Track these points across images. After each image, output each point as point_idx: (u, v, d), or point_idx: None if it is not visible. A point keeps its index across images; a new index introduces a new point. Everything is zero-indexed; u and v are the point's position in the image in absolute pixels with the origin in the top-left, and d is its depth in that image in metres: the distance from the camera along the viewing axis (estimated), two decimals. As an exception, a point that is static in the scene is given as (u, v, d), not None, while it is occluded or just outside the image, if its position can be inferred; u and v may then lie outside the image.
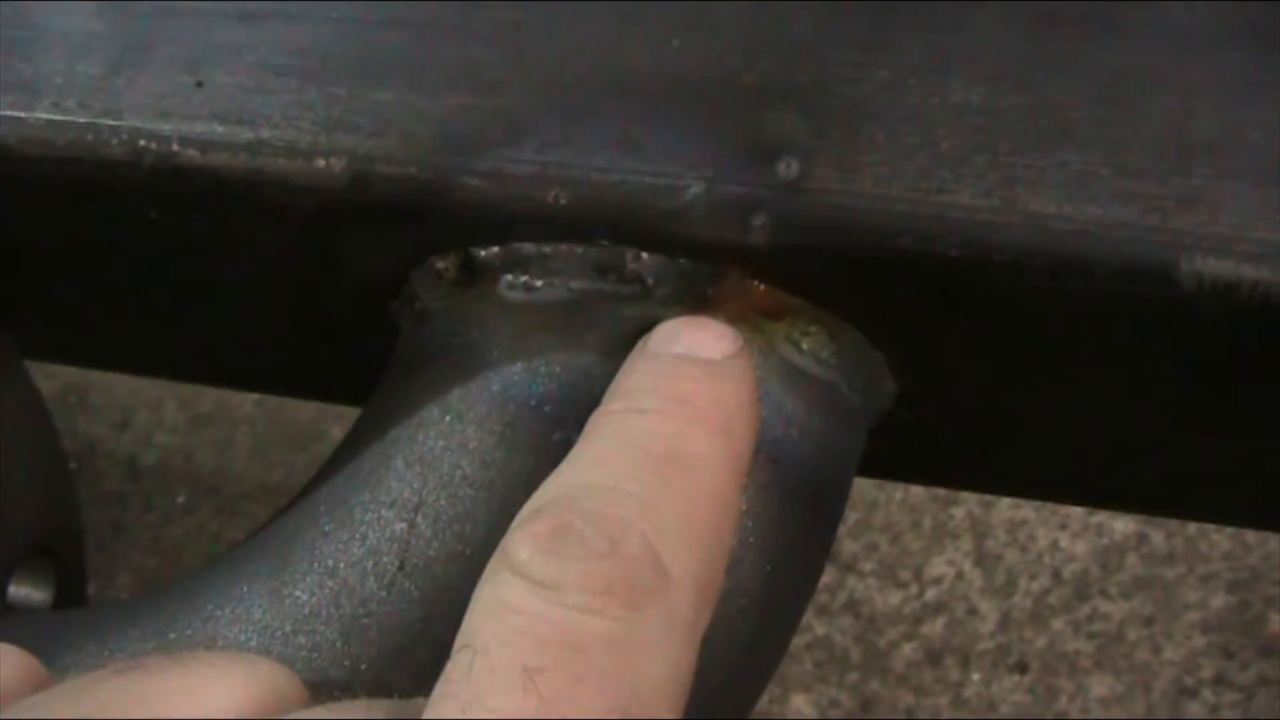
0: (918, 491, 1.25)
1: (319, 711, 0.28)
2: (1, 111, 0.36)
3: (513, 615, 0.26)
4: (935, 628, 1.19)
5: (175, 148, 0.36)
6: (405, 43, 0.36)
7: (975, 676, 1.18)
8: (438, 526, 0.33)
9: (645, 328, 0.33)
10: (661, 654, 0.27)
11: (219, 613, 0.34)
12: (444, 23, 0.36)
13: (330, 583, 0.33)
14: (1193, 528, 1.23)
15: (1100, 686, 1.17)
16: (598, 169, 0.34)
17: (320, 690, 0.30)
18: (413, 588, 0.33)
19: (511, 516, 0.28)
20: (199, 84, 0.36)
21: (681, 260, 0.34)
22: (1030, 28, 0.34)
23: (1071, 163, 0.33)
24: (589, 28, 0.35)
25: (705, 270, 0.34)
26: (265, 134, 0.35)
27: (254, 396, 1.22)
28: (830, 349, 0.35)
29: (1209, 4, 0.34)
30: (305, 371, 0.43)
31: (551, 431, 0.33)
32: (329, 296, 0.39)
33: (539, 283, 0.35)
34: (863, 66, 0.34)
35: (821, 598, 1.20)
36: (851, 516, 1.24)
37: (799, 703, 1.17)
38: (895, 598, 1.21)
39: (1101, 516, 1.24)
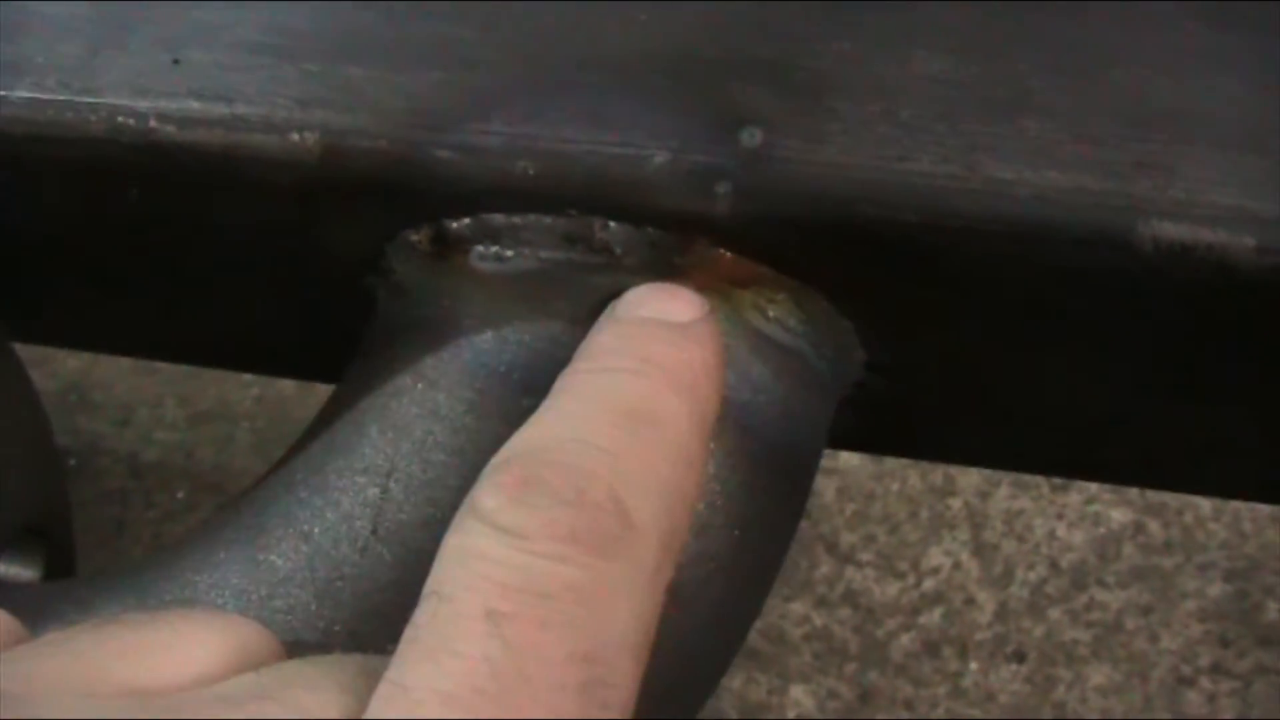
0: (915, 482, 1.26)
1: (293, 665, 0.28)
2: (-17, 92, 0.37)
3: (479, 562, 0.27)
4: (933, 618, 1.20)
5: (153, 124, 0.36)
6: (378, 20, 0.37)
7: (973, 666, 1.18)
8: (410, 491, 0.34)
9: (613, 296, 0.34)
10: (626, 602, 0.27)
11: (197, 579, 0.35)
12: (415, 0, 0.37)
13: (305, 547, 0.34)
14: (1190, 517, 1.23)
15: (1098, 675, 1.17)
16: (565, 140, 0.34)
17: (295, 650, 0.30)
18: (385, 551, 0.34)
19: None
20: (176, 62, 0.37)
21: (649, 229, 0.35)
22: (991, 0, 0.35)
23: (1031, 130, 0.33)
24: (559, 5, 0.36)
25: (672, 239, 0.35)
26: (241, 110, 0.36)
27: (254, 393, 1.23)
28: (797, 317, 0.36)
29: (1165, -26, 0.35)
30: (287, 348, 0.44)
31: (521, 398, 0.34)
32: (307, 271, 0.40)
33: (510, 253, 0.36)
34: (826, 39, 0.35)
35: (820, 589, 1.21)
36: (849, 507, 1.24)
37: (798, 694, 1.18)
38: (893, 588, 1.21)
39: (1099, 506, 1.24)
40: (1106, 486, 1.22)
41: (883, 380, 0.39)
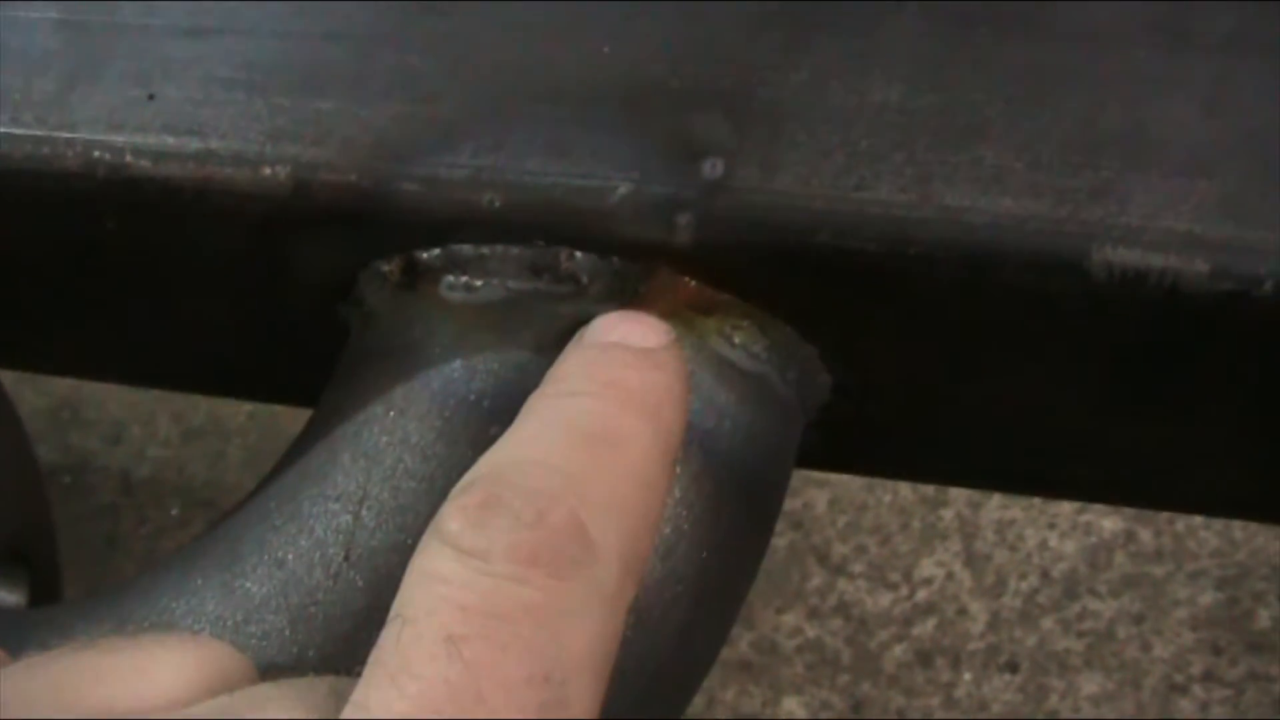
0: (906, 493, 1.26)
1: (264, 687, 0.29)
2: (-40, 129, 0.38)
3: (440, 585, 0.27)
4: (926, 629, 1.20)
5: (128, 158, 0.37)
6: (345, 55, 0.37)
7: (966, 676, 1.19)
8: (381, 518, 0.35)
9: (580, 324, 0.35)
10: (585, 623, 0.28)
11: (174, 605, 0.35)
12: (382, 35, 0.37)
13: (279, 574, 0.35)
14: (1181, 525, 1.23)
15: (1091, 685, 1.17)
16: (529, 172, 0.35)
17: (269, 673, 0.31)
18: (357, 577, 0.34)
19: None
20: (150, 97, 0.37)
21: (614, 259, 0.35)
22: (946, 28, 0.36)
23: (986, 158, 0.34)
24: (522, 38, 0.37)
25: (636, 268, 0.35)
26: (213, 144, 0.37)
27: (246, 409, 1.24)
28: (761, 343, 0.37)
29: (1116, 4, 0.35)
30: (264, 375, 0.45)
31: (489, 425, 0.35)
32: (282, 301, 0.40)
33: (478, 283, 0.36)
34: (784, 69, 0.35)
35: (812, 600, 1.21)
36: (841, 519, 1.25)
37: (791, 705, 1.18)
38: (885, 599, 1.22)
39: (1090, 515, 1.24)
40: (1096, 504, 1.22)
41: (848, 403, 0.39)
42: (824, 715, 1.19)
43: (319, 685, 0.29)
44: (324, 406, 0.38)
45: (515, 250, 0.36)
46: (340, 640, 0.34)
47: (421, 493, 0.35)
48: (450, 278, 0.36)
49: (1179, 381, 0.36)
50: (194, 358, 0.44)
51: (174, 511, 1.20)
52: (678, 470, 0.35)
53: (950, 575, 1.24)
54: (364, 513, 0.35)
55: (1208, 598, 1.21)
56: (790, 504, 1.24)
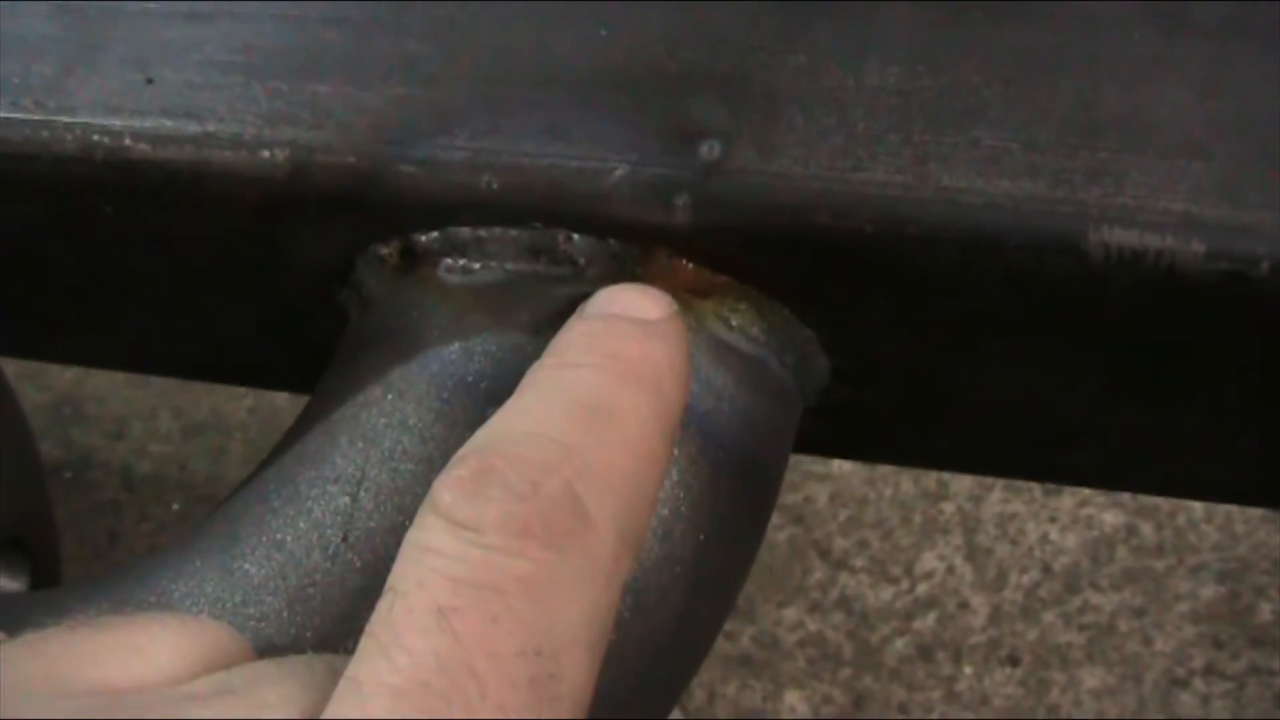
0: (907, 487, 1.26)
1: (261, 664, 0.29)
2: (-41, 114, 0.38)
3: (432, 557, 0.27)
4: (927, 623, 1.20)
5: (126, 142, 0.37)
6: (344, 38, 0.37)
7: (967, 670, 1.19)
8: (379, 500, 0.35)
9: (577, 305, 0.35)
10: (578, 596, 0.27)
11: (173, 587, 0.35)
12: (381, 19, 0.37)
13: (278, 556, 0.35)
14: (1182, 519, 1.23)
15: (1092, 678, 1.17)
16: (526, 154, 0.35)
17: (267, 653, 0.31)
18: (355, 558, 0.34)
19: None
20: (148, 81, 0.38)
21: (611, 241, 0.35)
22: (942, 11, 0.36)
23: (982, 140, 0.34)
24: (520, 22, 0.37)
25: (634, 250, 0.35)
26: (211, 127, 0.37)
27: (247, 404, 1.24)
28: (759, 326, 0.37)
29: (1113, -15, 0.35)
30: (263, 360, 0.45)
31: (487, 407, 0.35)
32: (281, 286, 0.40)
33: (476, 265, 0.36)
34: (781, 52, 0.36)
35: (813, 594, 1.21)
36: (842, 513, 1.25)
37: (792, 699, 1.18)
38: (887, 593, 1.22)
39: (1091, 509, 1.25)
40: (1098, 489, 1.22)
41: (847, 386, 0.39)
42: (825, 709, 1.19)
43: (316, 663, 0.29)
44: (322, 390, 0.38)
45: (513, 233, 0.36)
46: (338, 621, 0.34)
47: (419, 474, 0.35)
48: (448, 260, 0.36)
49: (1176, 363, 0.36)
50: (192, 343, 0.44)
51: (175, 507, 1.20)
52: (675, 451, 0.35)
53: (951, 569, 1.24)
54: (362, 495, 0.35)
55: (1209, 591, 1.21)
56: (791, 498, 1.25)
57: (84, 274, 0.42)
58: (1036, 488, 1.26)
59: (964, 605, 1.22)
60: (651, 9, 0.36)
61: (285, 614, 0.34)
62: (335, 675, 0.27)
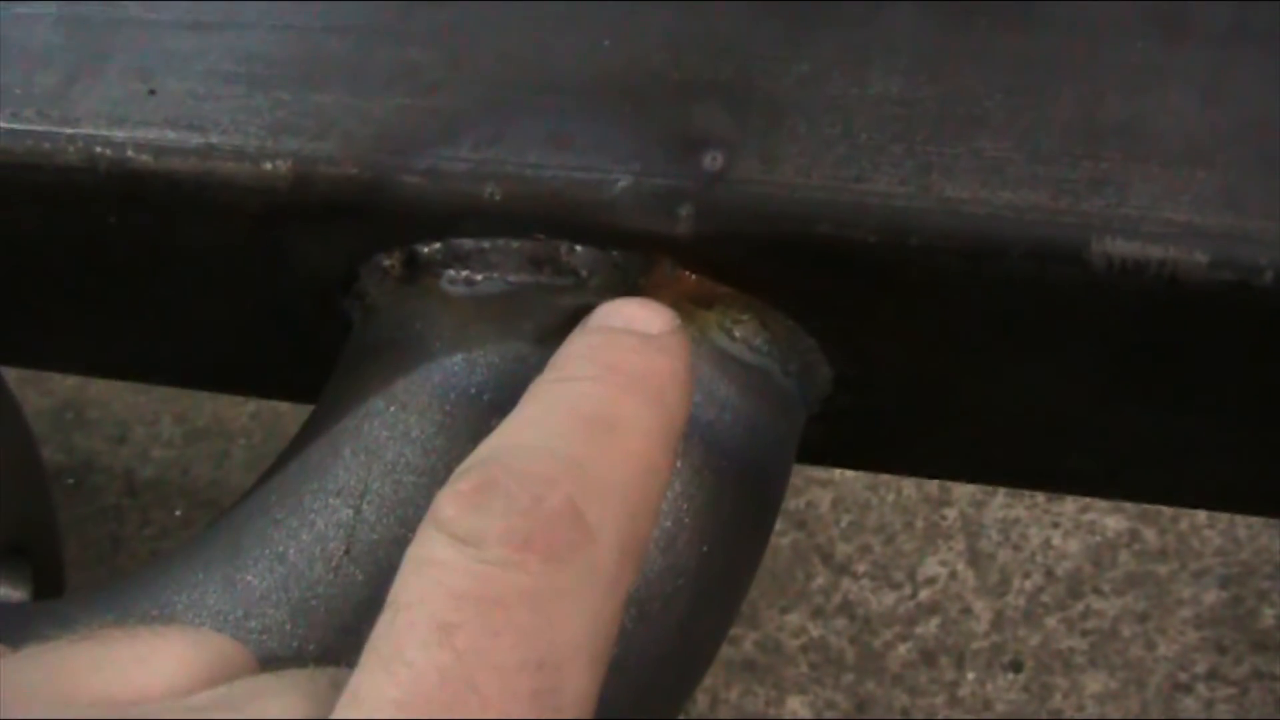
0: (910, 492, 1.26)
1: (264, 677, 0.29)
2: (-37, 124, 0.38)
3: (434, 570, 0.27)
4: (930, 628, 1.20)
5: (129, 153, 0.37)
6: (346, 47, 0.37)
7: (970, 676, 1.19)
8: (382, 512, 0.35)
9: (580, 316, 0.35)
10: (581, 609, 0.27)
11: (176, 599, 0.35)
12: (383, 27, 0.37)
13: (280, 568, 0.35)
14: (1185, 524, 1.23)
15: (1095, 683, 1.17)
16: (530, 165, 0.35)
17: (270, 665, 0.31)
18: (358, 571, 0.34)
19: None
20: (151, 91, 0.38)
21: (614, 252, 0.35)
22: (945, 20, 0.36)
23: (985, 149, 0.34)
24: (523, 30, 0.37)
25: (637, 261, 0.35)
26: (214, 138, 0.37)
27: (250, 410, 1.24)
28: (762, 336, 0.37)
29: (1115, -6, 0.35)
30: (266, 370, 0.45)
31: (490, 419, 0.35)
32: (285, 296, 0.40)
33: (479, 276, 0.36)
34: (784, 61, 0.35)
35: (816, 599, 1.21)
36: (844, 518, 1.25)
37: (795, 705, 1.18)
38: (889, 598, 1.22)
39: (1093, 514, 1.24)
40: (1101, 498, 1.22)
41: (850, 396, 0.39)
42: (828, 715, 1.19)
43: (319, 676, 0.29)
44: (325, 401, 0.38)
45: (516, 243, 0.36)
46: (341, 634, 0.34)
47: (422, 487, 0.35)
48: (451, 271, 0.36)
49: (1180, 372, 0.36)
50: (195, 353, 0.44)
51: (178, 512, 1.20)
52: (679, 463, 0.35)
53: (954, 574, 1.24)
54: (365, 507, 0.35)
55: (1212, 596, 1.21)
56: (794, 503, 1.25)
57: (87, 284, 0.42)
58: (1039, 493, 1.26)
59: (966, 610, 1.22)
60: (655, 17, 0.36)
61: (288, 626, 0.34)
62: (337, 688, 0.27)
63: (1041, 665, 1.19)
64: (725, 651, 1.18)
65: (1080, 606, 1.22)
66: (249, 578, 0.35)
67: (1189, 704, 1.17)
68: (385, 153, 0.36)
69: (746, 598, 0.40)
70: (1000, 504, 1.26)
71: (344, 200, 0.36)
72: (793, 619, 1.22)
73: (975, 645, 1.21)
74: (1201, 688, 1.18)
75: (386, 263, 0.37)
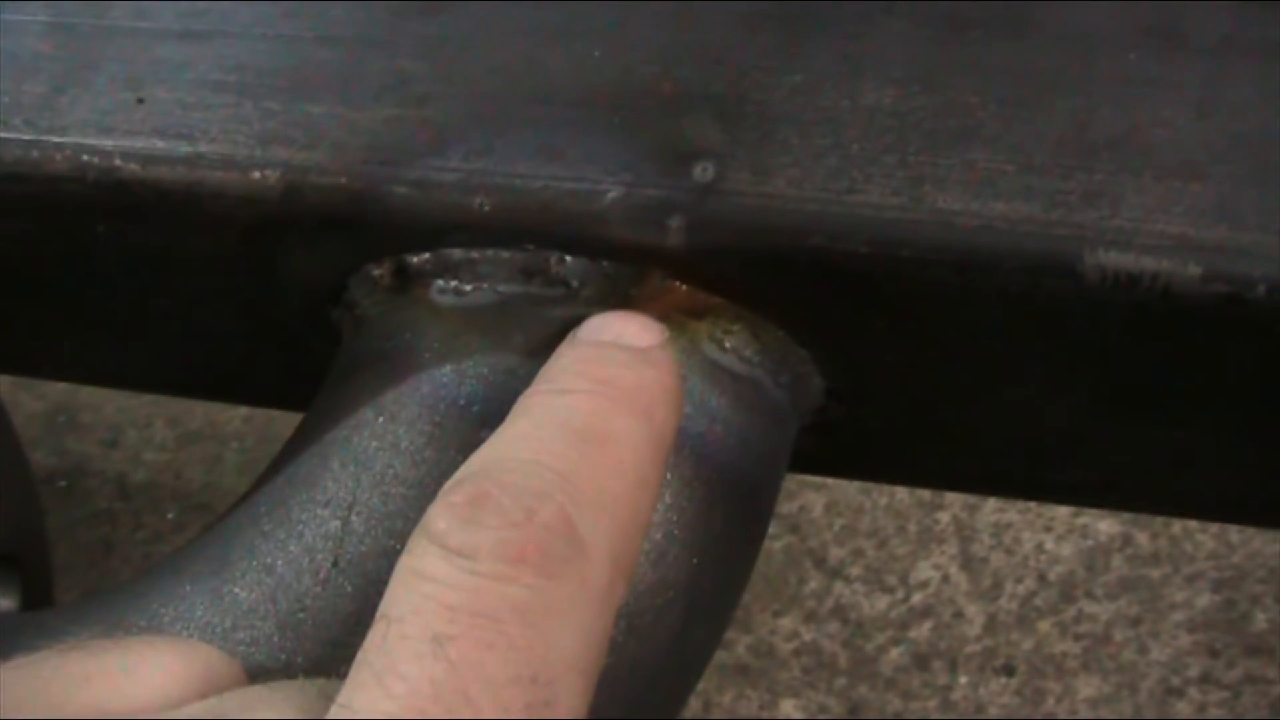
0: (903, 496, 1.26)
1: (253, 689, 0.29)
2: (-50, 133, 0.38)
3: (426, 583, 0.27)
4: (922, 632, 1.20)
5: (117, 162, 0.37)
6: (336, 58, 0.37)
7: (963, 680, 1.19)
8: (370, 524, 0.34)
9: (571, 328, 0.35)
10: (573, 622, 0.28)
11: (163, 611, 0.35)
12: (373, 38, 0.37)
13: (268, 580, 0.35)
14: (1177, 528, 1.23)
15: (1087, 687, 1.17)
16: (520, 175, 0.35)
17: (259, 677, 0.31)
18: (346, 583, 0.34)
19: None
20: (140, 100, 0.37)
21: (604, 263, 0.35)
22: (937, 31, 0.35)
23: (978, 161, 0.34)
24: (513, 41, 0.37)
25: (627, 272, 0.35)
26: (203, 148, 0.37)
27: (242, 414, 1.24)
28: (753, 347, 0.37)
29: (1109, 5, 0.35)
30: (256, 380, 0.45)
31: (480, 430, 0.35)
32: (275, 306, 0.40)
33: (469, 287, 0.36)
34: (776, 72, 0.35)
35: (809, 604, 1.21)
36: (837, 522, 1.25)
37: (788, 708, 1.18)
38: (882, 602, 1.22)
39: (1086, 518, 1.25)
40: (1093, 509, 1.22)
41: (841, 406, 0.39)
42: (821, 718, 1.19)
43: (309, 687, 0.29)
44: (315, 411, 0.38)
45: (506, 254, 0.36)
46: (329, 646, 0.34)
47: (411, 498, 0.35)
48: (441, 282, 0.36)
49: (1172, 385, 0.36)
50: (185, 362, 0.44)
51: (170, 516, 1.20)
52: (669, 475, 0.35)
53: (947, 578, 1.24)
54: (353, 519, 0.35)
55: (1204, 600, 1.21)
56: (786, 508, 1.24)
57: (76, 293, 0.42)
58: (1032, 498, 1.26)
59: (959, 614, 1.22)
60: (646, 28, 0.36)
61: (276, 638, 0.34)
62: (327, 700, 0.27)
63: (1034, 669, 1.20)
64: (718, 655, 1.18)
65: (1073, 611, 1.22)
66: (237, 590, 0.35)
67: (1181, 708, 1.17)
68: (375, 163, 0.36)
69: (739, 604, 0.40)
70: (993, 508, 1.26)
71: (334, 210, 0.36)
72: (786, 623, 1.22)
73: (968, 649, 1.21)
74: (1194, 692, 1.18)
75: (376, 273, 0.37)
